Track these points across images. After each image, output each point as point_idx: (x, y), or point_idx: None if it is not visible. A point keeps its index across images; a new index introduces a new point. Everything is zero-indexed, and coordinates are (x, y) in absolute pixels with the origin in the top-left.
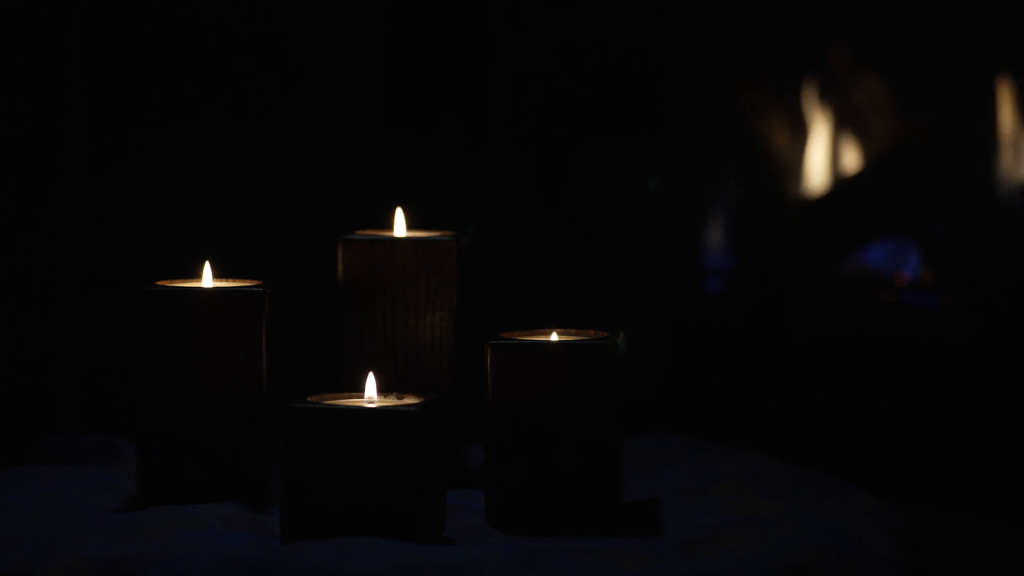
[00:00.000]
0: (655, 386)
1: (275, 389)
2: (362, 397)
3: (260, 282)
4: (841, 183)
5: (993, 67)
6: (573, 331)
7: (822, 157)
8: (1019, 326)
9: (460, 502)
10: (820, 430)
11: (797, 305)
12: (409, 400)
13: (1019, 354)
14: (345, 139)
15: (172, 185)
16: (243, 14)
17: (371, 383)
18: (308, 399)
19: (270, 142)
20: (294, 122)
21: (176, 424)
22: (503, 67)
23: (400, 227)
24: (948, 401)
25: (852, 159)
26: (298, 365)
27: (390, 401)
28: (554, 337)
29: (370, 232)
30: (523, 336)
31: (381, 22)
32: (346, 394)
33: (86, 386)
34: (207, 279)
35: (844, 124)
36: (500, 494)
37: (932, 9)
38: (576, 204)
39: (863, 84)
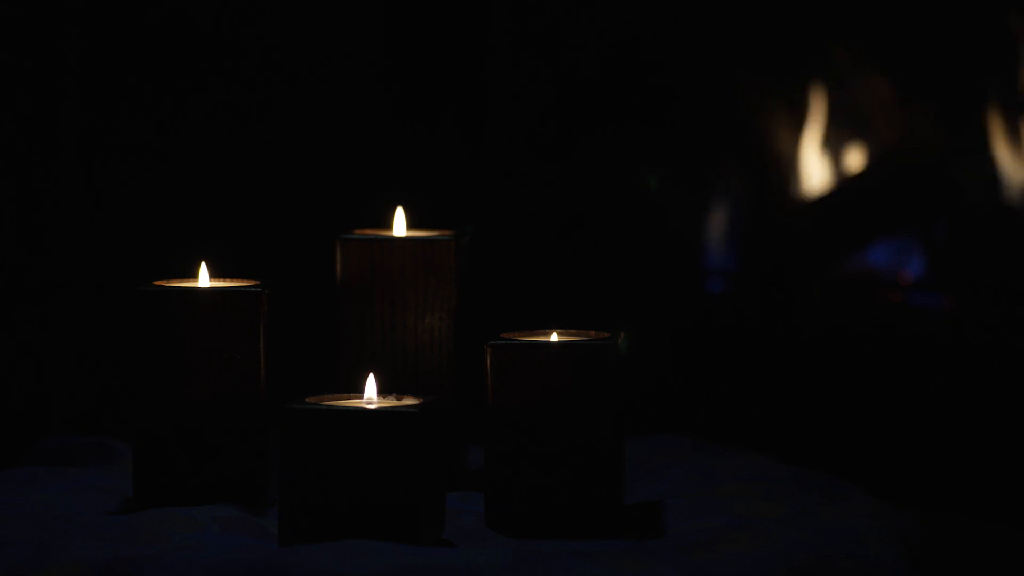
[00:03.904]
0: (656, 387)
1: (273, 390)
2: (361, 398)
3: (258, 282)
4: (844, 183)
5: (997, 65)
6: (573, 331)
7: (825, 156)
8: (1022, 326)
9: (460, 504)
10: (823, 431)
11: (800, 305)
12: (408, 401)
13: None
14: (344, 138)
15: (169, 185)
16: (241, 14)
17: (370, 384)
18: (306, 400)
19: (268, 141)
20: (293, 121)
21: (173, 425)
22: (502, 65)
23: (399, 227)
24: (952, 402)
25: (855, 158)
26: (296, 365)
27: (389, 402)
28: (554, 337)
29: (369, 232)
30: (523, 336)
31: (380, 21)
32: (345, 395)
33: (82, 387)
34: (204, 279)
35: (847, 123)
36: (500, 496)
37: (936, 9)
38: (577, 203)
39: (867, 83)
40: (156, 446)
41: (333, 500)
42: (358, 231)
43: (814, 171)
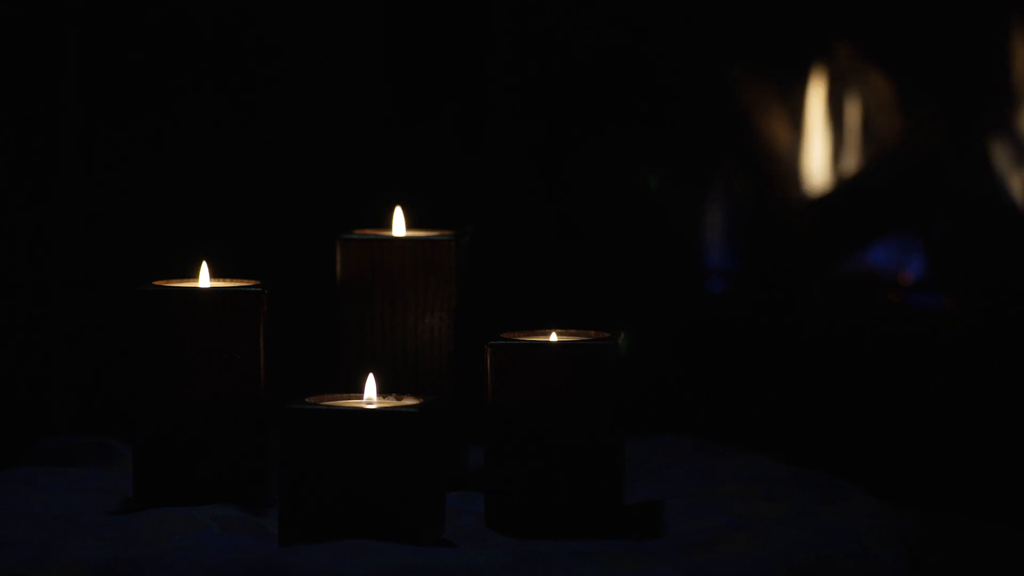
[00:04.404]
0: (656, 387)
1: (273, 390)
2: (361, 398)
3: (258, 282)
4: (844, 182)
5: (999, 64)
6: (573, 331)
7: (826, 155)
8: (1022, 326)
9: (460, 504)
10: (823, 431)
11: (800, 305)
12: (408, 401)
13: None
14: (344, 138)
15: (169, 185)
16: (241, 13)
17: (370, 384)
18: (306, 400)
19: (268, 141)
20: (292, 121)
21: (173, 425)
22: (503, 65)
23: (399, 226)
24: (953, 402)
25: (856, 157)
26: (296, 365)
27: (389, 402)
28: (554, 337)
29: (369, 231)
30: (523, 336)
31: (380, 20)
32: (345, 395)
33: (82, 387)
34: (204, 279)
35: (848, 122)
36: (500, 496)
37: (937, 6)
38: (577, 203)
39: (868, 82)
40: (156, 446)
41: (333, 500)
42: (358, 231)
43: (814, 171)
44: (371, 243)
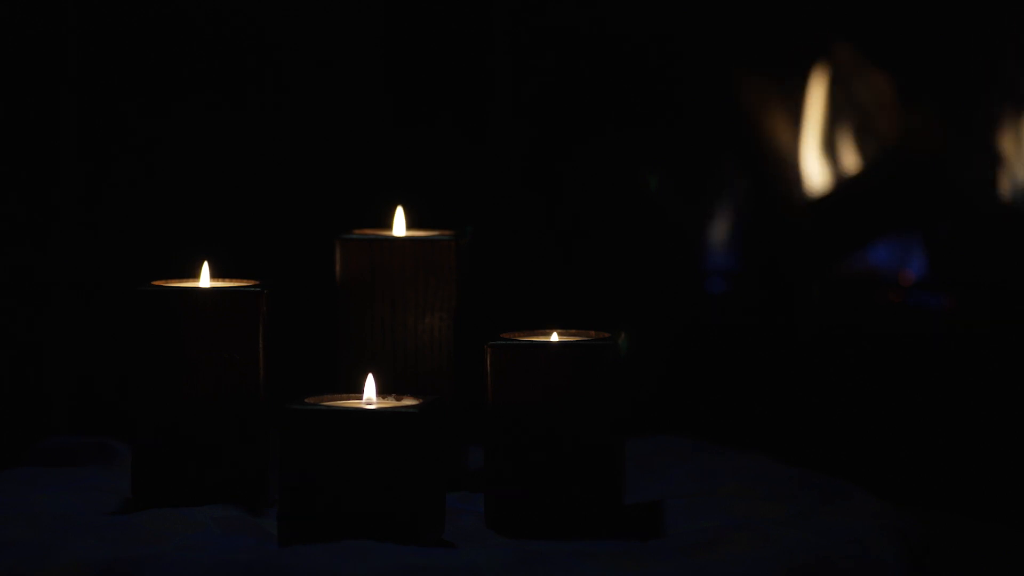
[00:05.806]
0: (656, 387)
1: (273, 390)
2: (361, 398)
3: (257, 282)
4: (845, 181)
5: (1000, 63)
6: (574, 331)
7: (825, 156)
8: (1022, 326)
9: (460, 504)
10: (824, 432)
11: (800, 305)
12: (408, 401)
13: None
14: (344, 138)
15: (170, 185)
16: (241, 13)
17: (370, 384)
18: (306, 400)
19: (268, 141)
20: (292, 120)
21: (173, 425)
22: (503, 65)
23: (399, 227)
24: (953, 402)
25: (856, 157)
26: (296, 366)
27: (389, 402)
28: (555, 338)
29: (369, 231)
30: (523, 336)
31: (380, 19)
32: (344, 395)
33: (82, 387)
34: (204, 279)
35: (848, 122)
36: (500, 496)
37: (937, 6)
38: (577, 203)
39: (868, 81)
40: (156, 446)
41: (333, 500)
42: (358, 231)
43: (814, 171)
44: (371, 243)
